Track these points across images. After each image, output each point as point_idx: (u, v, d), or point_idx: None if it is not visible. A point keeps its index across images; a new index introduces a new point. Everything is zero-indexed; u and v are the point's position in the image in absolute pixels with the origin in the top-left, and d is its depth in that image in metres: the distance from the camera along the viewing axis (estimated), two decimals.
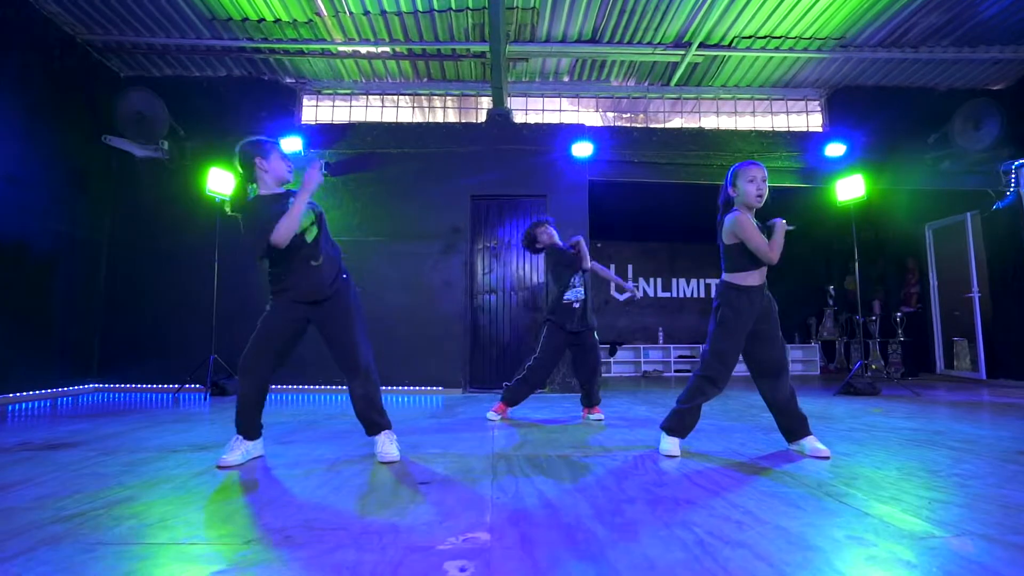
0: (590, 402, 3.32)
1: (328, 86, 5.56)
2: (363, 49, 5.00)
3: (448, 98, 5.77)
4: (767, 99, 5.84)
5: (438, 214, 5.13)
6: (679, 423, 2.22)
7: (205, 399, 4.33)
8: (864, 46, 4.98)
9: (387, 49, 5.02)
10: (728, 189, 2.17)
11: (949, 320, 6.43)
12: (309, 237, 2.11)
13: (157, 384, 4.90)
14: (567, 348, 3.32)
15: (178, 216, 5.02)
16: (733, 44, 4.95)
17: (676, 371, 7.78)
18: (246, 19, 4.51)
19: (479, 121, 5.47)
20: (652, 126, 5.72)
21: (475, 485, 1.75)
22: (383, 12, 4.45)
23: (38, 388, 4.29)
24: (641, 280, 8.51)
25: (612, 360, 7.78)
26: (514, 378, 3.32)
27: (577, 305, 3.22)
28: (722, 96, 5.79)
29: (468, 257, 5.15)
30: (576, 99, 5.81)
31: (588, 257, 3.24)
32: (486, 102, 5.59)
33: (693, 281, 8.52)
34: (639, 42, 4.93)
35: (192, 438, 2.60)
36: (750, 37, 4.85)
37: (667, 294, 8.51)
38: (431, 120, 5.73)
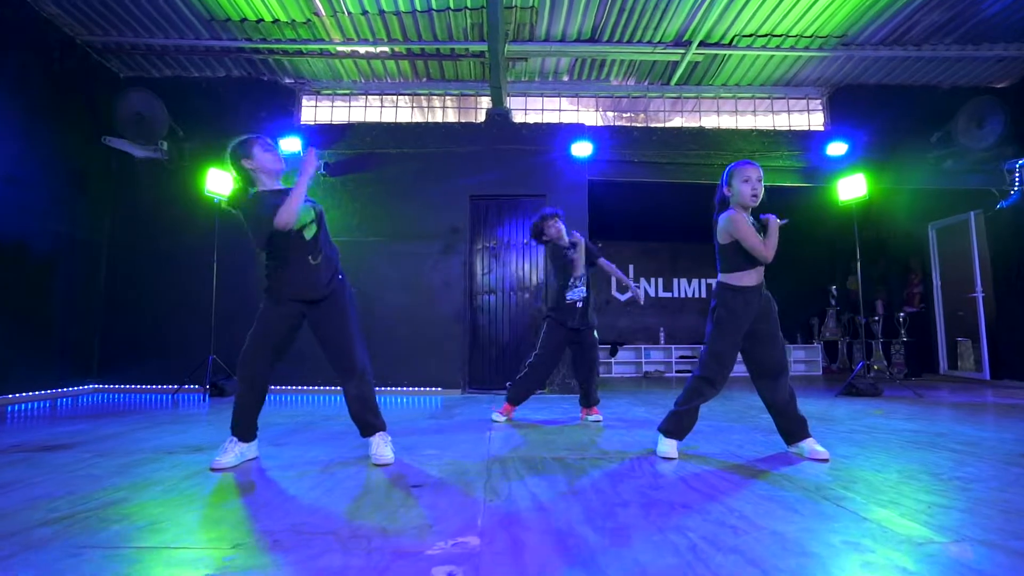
0: (588, 402, 3.30)
1: (327, 86, 5.55)
2: (362, 49, 4.99)
3: (447, 98, 5.76)
4: (768, 98, 5.80)
5: (437, 214, 5.12)
6: (676, 425, 2.19)
7: (204, 400, 4.33)
8: (866, 44, 4.94)
9: (386, 49, 5.01)
10: (724, 189, 2.16)
11: (953, 320, 6.38)
12: (308, 235, 2.10)
13: (157, 385, 4.91)
14: (567, 345, 3.31)
15: (177, 216, 5.02)
16: (734, 43, 4.92)
17: (677, 371, 7.75)
18: (245, 19, 4.50)
19: (478, 121, 5.46)
20: (652, 125, 5.69)
21: (469, 488, 1.73)
22: (381, 12, 4.44)
23: (38, 389, 4.29)
24: (642, 280, 8.48)
25: (613, 360, 7.75)
26: (516, 376, 3.30)
27: (580, 304, 3.21)
28: (723, 95, 5.76)
29: (467, 257, 5.14)
30: (576, 99, 5.79)
31: (582, 264, 3.21)
32: (485, 102, 5.58)
33: (694, 281, 8.49)
34: (639, 41, 4.90)
35: (188, 439, 2.59)
36: (751, 36, 4.82)
37: (668, 294, 8.48)
38: (431, 120, 5.72)
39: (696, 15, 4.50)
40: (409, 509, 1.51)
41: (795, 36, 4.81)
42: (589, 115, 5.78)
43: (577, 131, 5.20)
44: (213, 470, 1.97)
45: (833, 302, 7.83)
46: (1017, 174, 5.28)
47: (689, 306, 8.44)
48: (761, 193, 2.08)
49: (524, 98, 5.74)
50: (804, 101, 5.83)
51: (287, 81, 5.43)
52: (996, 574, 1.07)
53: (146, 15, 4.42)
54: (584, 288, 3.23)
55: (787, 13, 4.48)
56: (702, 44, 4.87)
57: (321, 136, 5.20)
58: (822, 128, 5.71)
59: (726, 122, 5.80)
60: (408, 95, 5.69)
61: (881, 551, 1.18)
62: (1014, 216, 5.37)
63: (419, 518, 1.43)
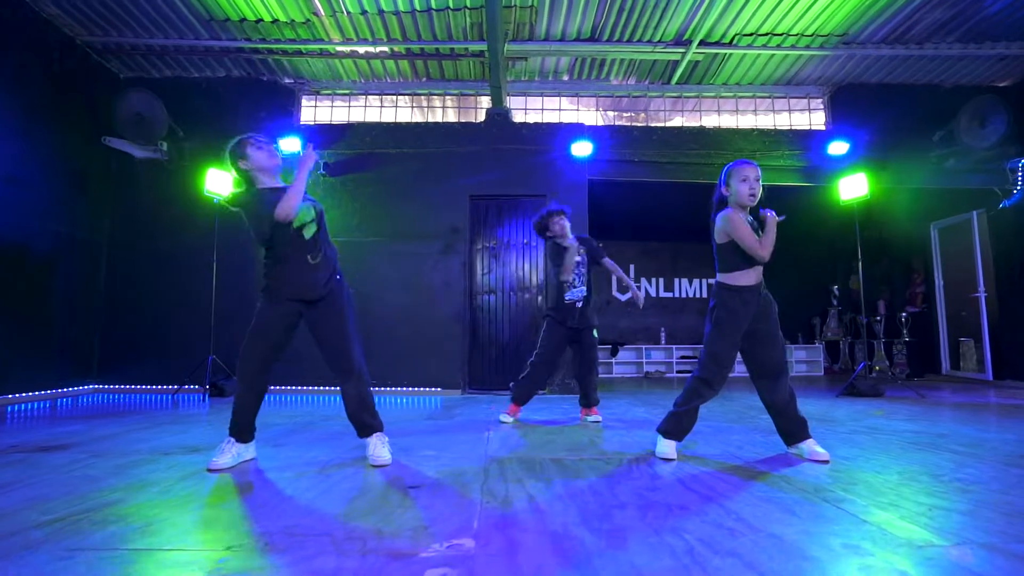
0: (588, 403, 3.28)
1: (327, 86, 5.55)
2: (361, 49, 4.99)
3: (447, 98, 5.75)
4: (769, 97, 5.78)
5: (437, 214, 5.11)
6: (675, 426, 2.18)
7: (203, 400, 4.32)
8: (867, 43, 4.91)
9: (385, 49, 5.01)
10: (722, 188, 2.15)
11: (955, 320, 6.35)
12: (307, 234, 2.09)
13: (157, 385, 4.91)
14: (567, 345, 3.30)
15: (177, 217, 5.02)
16: (734, 42, 4.90)
17: (678, 372, 7.73)
18: (244, 20, 4.50)
19: (478, 121, 5.45)
20: (652, 125, 5.67)
21: (465, 489, 1.72)
22: (380, 12, 4.43)
23: (38, 389, 4.30)
24: (643, 280, 8.46)
25: (614, 361, 7.73)
26: (519, 377, 3.30)
27: (579, 304, 3.21)
28: (723, 94, 5.74)
29: (467, 257, 5.13)
30: (576, 98, 5.77)
31: (570, 270, 3.20)
32: (485, 101, 5.57)
33: (695, 281, 8.47)
34: (639, 40, 4.89)
35: (186, 440, 2.59)
36: (751, 34, 4.80)
37: (669, 294, 8.46)
38: (431, 120, 5.71)
39: (696, 14, 4.48)
40: (405, 511, 1.50)
41: (796, 35, 4.79)
42: (589, 115, 5.77)
43: (577, 131, 5.18)
44: (210, 471, 1.96)
45: (835, 302, 7.80)
46: (1020, 173, 5.24)
47: (690, 306, 8.41)
48: (759, 193, 2.07)
49: (524, 98, 5.73)
50: (805, 100, 5.81)
51: (287, 81, 5.43)
52: None
53: (145, 15, 4.42)
54: (583, 289, 3.22)
55: (788, 12, 4.46)
56: (702, 43, 4.85)
57: (321, 136, 5.20)
58: (823, 127, 5.69)
59: (727, 121, 5.78)
60: (408, 95, 5.68)
61: (880, 554, 1.17)
62: (1017, 215, 5.34)
63: (415, 520, 1.42)
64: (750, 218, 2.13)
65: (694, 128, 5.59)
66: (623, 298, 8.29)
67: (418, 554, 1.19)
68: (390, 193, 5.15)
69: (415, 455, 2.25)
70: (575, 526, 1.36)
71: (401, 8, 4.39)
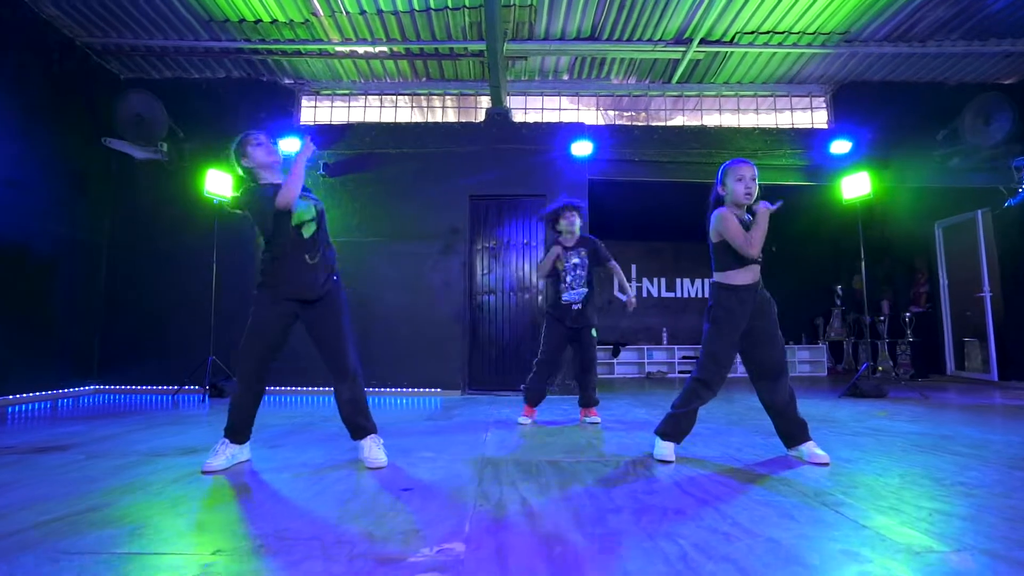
0: (587, 403, 3.27)
1: (327, 87, 5.55)
2: (360, 49, 4.98)
3: (447, 98, 5.74)
4: (771, 96, 5.74)
5: (437, 214, 5.10)
6: (674, 428, 2.16)
7: (203, 401, 4.32)
8: (870, 41, 4.87)
9: (384, 49, 5.00)
10: (718, 187, 2.14)
11: (960, 320, 6.29)
12: (307, 232, 2.09)
13: (157, 385, 4.91)
14: (568, 343, 3.30)
15: (177, 217, 5.03)
16: (735, 40, 4.87)
17: (680, 372, 7.69)
18: (243, 20, 4.50)
19: (478, 120, 5.43)
20: (653, 124, 5.64)
21: (459, 492, 1.70)
22: (379, 11, 4.42)
23: (39, 390, 4.31)
24: (645, 280, 8.43)
25: (615, 361, 7.70)
26: (527, 379, 3.31)
27: (576, 306, 3.19)
28: (725, 93, 5.70)
29: (467, 258, 5.11)
30: (576, 97, 5.75)
31: (544, 271, 3.26)
32: (485, 101, 5.55)
33: (697, 281, 8.43)
34: (639, 39, 4.86)
35: (182, 441, 2.58)
36: (752, 33, 4.76)
37: (671, 294, 8.42)
38: (431, 120, 5.70)
39: (697, 12, 4.45)
40: (397, 514, 1.48)
41: (797, 33, 4.75)
42: (589, 114, 5.74)
43: (577, 130, 5.16)
44: (204, 473, 1.95)
45: (838, 302, 7.74)
46: None
47: (692, 306, 8.37)
48: (755, 191, 2.05)
49: (524, 97, 5.71)
50: (807, 99, 5.76)
51: (286, 82, 5.43)
52: None
53: (145, 16, 4.42)
54: (582, 291, 3.21)
55: (789, 9, 4.42)
56: (703, 42, 4.82)
57: (321, 136, 5.19)
58: (825, 126, 5.65)
59: (728, 120, 5.74)
60: (408, 95, 5.67)
61: (879, 560, 1.15)
62: (1022, 214, 5.28)
63: (406, 523, 1.40)
64: (748, 217, 2.11)
65: (695, 127, 5.55)
66: (624, 298, 8.25)
67: (407, 559, 1.17)
68: (390, 193, 5.14)
69: (411, 456, 2.24)
70: (568, 530, 1.34)
71: (400, 8, 4.38)
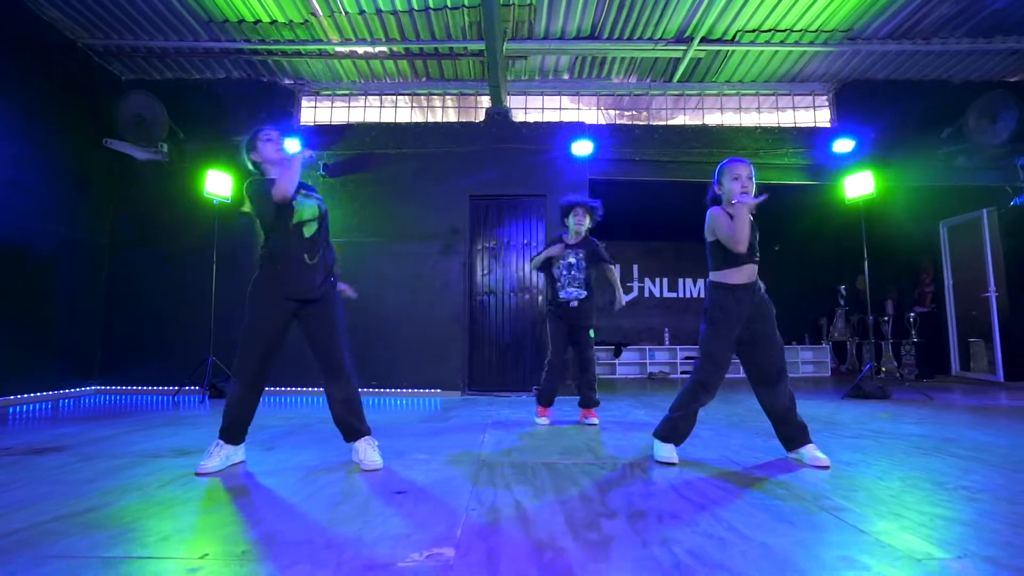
0: (586, 404, 3.25)
1: (327, 87, 5.54)
2: (360, 49, 4.97)
3: (447, 97, 5.72)
4: (772, 94, 5.70)
5: (437, 214, 5.08)
6: (673, 430, 2.13)
7: (202, 401, 4.32)
8: (873, 38, 4.82)
9: (384, 49, 4.99)
10: (715, 187, 2.12)
11: (965, 320, 6.22)
12: (308, 232, 2.08)
13: (158, 386, 4.92)
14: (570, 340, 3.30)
15: (178, 218, 5.03)
16: (736, 38, 4.83)
17: (682, 372, 7.64)
18: (243, 21, 4.50)
19: (478, 120, 5.42)
20: (654, 124, 5.61)
21: (453, 495, 1.68)
22: (379, 11, 4.41)
23: (40, 390, 4.32)
24: (647, 280, 8.39)
25: (617, 362, 7.67)
26: (541, 379, 3.32)
27: (574, 304, 3.18)
28: (726, 92, 5.66)
29: (467, 258, 5.10)
30: (576, 97, 5.72)
31: (537, 263, 3.32)
32: (486, 101, 5.53)
33: (699, 281, 8.38)
34: (640, 38, 4.83)
35: (178, 442, 2.57)
36: (754, 31, 4.73)
37: (673, 294, 8.38)
38: (431, 120, 5.69)
39: (697, 10, 4.42)
40: (388, 517, 1.46)
41: (799, 31, 4.71)
42: (590, 113, 5.72)
43: (577, 130, 5.14)
44: (198, 475, 1.94)
45: (842, 302, 7.68)
46: None
47: (694, 306, 8.33)
48: (752, 190, 2.03)
49: (524, 97, 5.69)
50: (810, 97, 5.72)
51: (286, 82, 5.43)
52: None
53: (145, 18, 4.43)
54: (577, 290, 3.19)
55: (791, 7, 4.38)
56: (704, 40, 4.79)
57: (321, 137, 5.19)
58: (828, 125, 5.60)
59: (730, 119, 5.70)
60: (408, 95, 5.66)
61: (877, 567, 1.12)
62: None
63: (397, 527, 1.39)
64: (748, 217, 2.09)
65: (696, 126, 5.52)
66: (627, 298, 8.21)
67: (395, 564, 1.15)
68: (390, 193, 5.13)
69: (407, 458, 2.22)
70: (561, 536, 1.32)
71: (399, 8, 4.37)
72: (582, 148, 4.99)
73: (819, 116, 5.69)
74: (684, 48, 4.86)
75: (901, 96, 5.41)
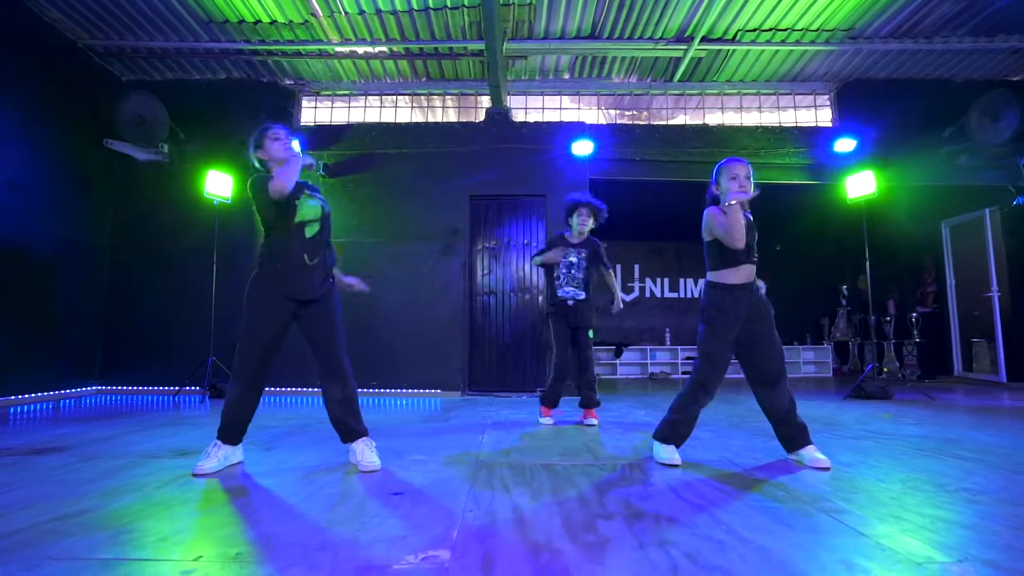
0: (587, 404, 3.24)
1: (327, 87, 5.54)
2: (360, 49, 4.97)
3: (447, 97, 5.72)
4: (774, 94, 5.68)
5: (437, 215, 5.08)
6: (672, 432, 2.12)
7: (203, 401, 4.33)
8: (874, 37, 4.80)
9: (384, 49, 4.98)
10: (712, 186, 2.12)
11: (967, 320, 6.19)
12: (309, 232, 2.08)
13: (159, 386, 4.92)
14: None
15: (178, 218, 5.04)
16: (737, 37, 4.82)
17: (683, 373, 7.63)
18: (242, 21, 4.50)
19: (479, 120, 5.41)
20: (655, 123, 5.60)
21: (450, 496, 1.68)
22: (378, 11, 4.41)
23: (41, 390, 4.33)
24: (648, 280, 8.38)
25: (618, 362, 7.66)
26: (547, 383, 3.33)
27: (571, 303, 3.18)
28: (727, 91, 5.64)
29: (467, 258, 5.09)
30: (577, 97, 5.71)
31: (538, 261, 3.34)
32: (486, 101, 5.53)
33: (701, 281, 8.36)
34: (640, 37, 4.82)
35: (177, 443, 2.58)
36: (755, 30, 4.71)
37: (674, 294, 8.37)
38: (431, 120, 5.68)
39: (698, 10, 4.40)
40: (384, 519, 1.46)
41: (800, 30, 4.69)
42: (590, 113, 5.71)
43: (578, 129, 5.13)
44: (195, 476, 1.94)
45: (844, 302, 7.66)
46: None
47: (696, 306, 8.31)
48: (750, 190, 2.02)
49: (524, 97, 5.68)
50: (811, 96, 5.70)
51: (287, 82, 5.43)
52: None
53: (145, 18, 4.43)
54: (575, 290, 3.19)
55: (792, 6, 4.37)
56: (705, 39, 4.77)
57: (320, 137, 5.19)
58: (830, 124, 5.58)
59: (730, 119, 5.68)
60: (408, 95, 5.66)
61: (877, 571, 1.11)
62: None
63: (393, 529, 1.38)
64: (748, 215, 2.09)
65: (697, 126, 5.50)
66: (628, 298, 8.21)
67: (390, 566, 1.15)
68: (390, 193, 5.13)
69: (405, 459, 2.22)
70: (558, 538, 1.31)
71: (399, 8, 4.37)
72: (582, 148, 4.98)
73: (820, 115, 5.67)
74: (685, 47, 4.85)
75: (903, 95, 5.39)
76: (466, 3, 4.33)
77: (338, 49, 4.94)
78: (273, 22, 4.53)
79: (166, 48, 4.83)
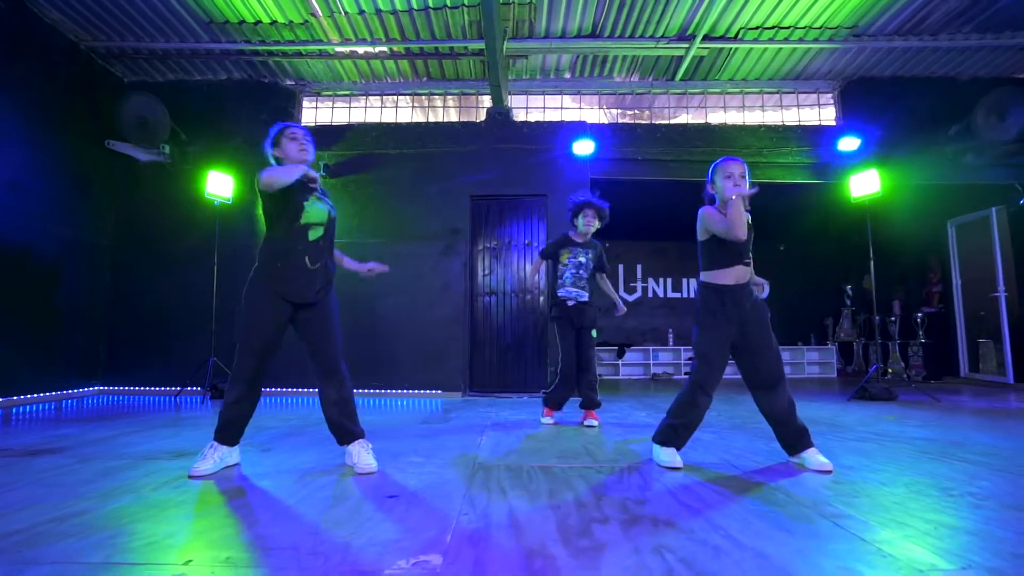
0: (587, 405, 3.22)
1: (327, 87, 5.54)
2: (360, 49, 4.96)
3: (448, 97, 5.71)
4: (777, 92, 5.63)
5: (437, 215, 5.07)
6: (673, 435, 2.10)
7: (203, 402, 4.33)
8: (879, 35, 4.75)
9: (384, 49, 4.98)
10: (708, 186, 2.10)
11: (974, 321, 6.12)
12: (312, 235, 2.06)
13: (161, 386, 4.93)
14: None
15: (180, 219, 5.05)
16: (739, 36, 4.78)
17: (686, 373, 7.58)
18: (243, 22, 4.50)
19: (480, 120, 5.40)
20: (656, 122, 5.56)
21: (445, 499, 1.66)
22: (378, 11, 4.40)
23: (44, 391, 4.34)
24: (651, 280, 8.33)
25: (620, 363, 7.62)
26: (551, 387, 3.32)
27: (571, 304, 3.16)
28: (729, 90, 5.60)
29: (468, 258, 5.07)
30: (578, 96, 5.69)
31: (542, 262, 3.41)
32: (487, 101, 5.51)
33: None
34: (641, 36, 4.79)
35: (175, 444, 2.57)
36: (757, 28, 4.67)
37: (677, 294, 8.32)
38: (432, 120, 5.67)
39: (700, 8, 4.37)
40: (378, 523, 1.44)
41: (804, 28, 4.65)
42: (592, 113, 5.68)
43: (579, 129, 5.11)
44: (191, 478, 1.93)
45: (848, 302, 7.59)
46: None
47: None
48: (746, 188, 2.00)
49: (525, 96, 5.66)
50: (814, 95, 5.65)
51: (288, 83, 5.43)
52: None
53: (146, 19, 4.44)
54: (579, 290, 3.17)
55: (795, 3, 4.33)
56: (707, 38, 4.74)
57: (322, 137, 5.18)
58: (833, 123, 5.53)
59: (733, 118, 5.64)
60: (408, 95, 5.65)
61: None
62: None
63: (386, 533, 1.36)
64: (747, 214, 2.06)
65: (699, 125, 5.47)
66: (630, 299, 8.17)
67: (382, 571, 1.13)
68: (391, 194, 5.12)
69: (401, 461, 2.20)
70: (552, 543, 1.29)
71: (398, 7, 4.36)
72: (584, 147, 4.96)
73: (824, 114, 5.62)
74: (686, 46, 4.81)
75: (908, 93, 5.33)
76: (466, 2, 4.31)
77: (338, 49, 4.93)
78: (273, 22, 4.53)
79: (167, 49, 4.84)
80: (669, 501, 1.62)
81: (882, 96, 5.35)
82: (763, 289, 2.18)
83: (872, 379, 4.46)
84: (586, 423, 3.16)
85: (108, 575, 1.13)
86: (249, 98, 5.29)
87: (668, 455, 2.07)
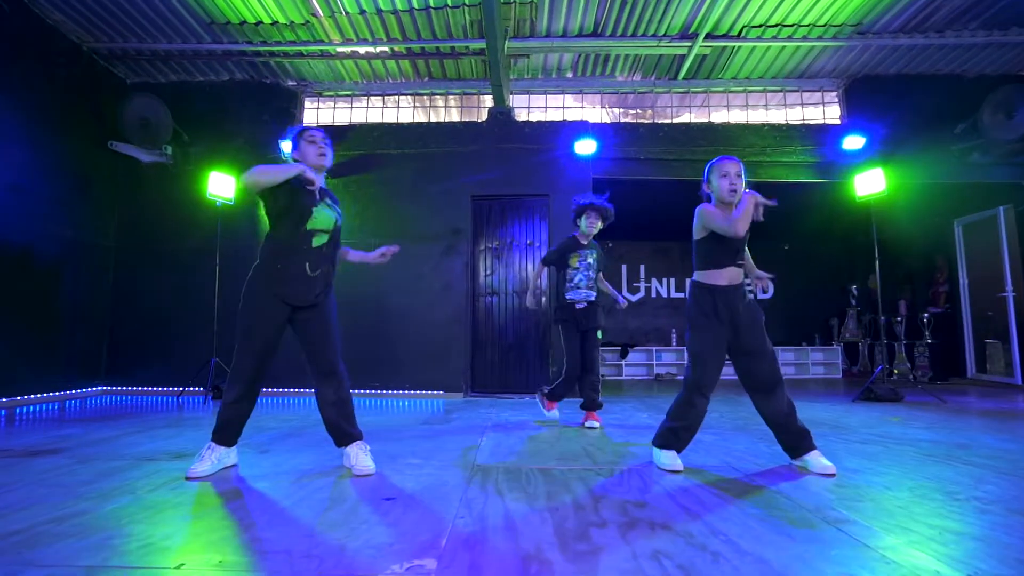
0: (589, 406, 3.20)
1: (329, 88, 5.54)
2: (362, 49, 4.96)
3: (450, 97, 5.70)
4: (780, 91, 5.59)
5: (439, 215, 5.06)
6: (673, 438, 2.08)
7: (205, 402, 4.34)
8: (883, 32, 4.70)
9: (385, 49, 4.97)
10: (704, 185, 2.08)
11: (981, 321, 6.06)
12: (316, 242, 2.04)
13: (163, 387, 4.95)
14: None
15: (182, 220, 5.06)
16: (742, 34, 4.74)
17: None
18: (244, 22, 4.51)
19: (481, 120, 5.38)
20: (659, 122, 5.53)
21: (442, 502, 1.64)
22: (379, 11, 4.39)
23: (47, 391, 4.36)
24: (654, 280, 8.30)
25: (623, 363, 7.59)
26: (555, 383, 3.32)
27: (580, 306, 3.14)
28: (732, 89, 5.56)
29: (469, 258, 5.06)
30: (580, 95, 5.66)
31: (543, 266, 3.39)
32: (489, 100, 5.50)
33: None
34: (643, 34, 4.76)
35: (174, 445, 2.57)
36: (760, 26, 4.63)
37: (680, 294, 8.28)
38: (434, 120, 5.66)
39: (702, 6, 4.34)
40: (373, 526, 1.43)
41: (807, 25, 4.61)
42: (594, 112, 5.66)
43: (581, 128, 5.08)
44: (188, 479, 1.92)
45: (853, 302, 7.52)
46: None
47: None
48: (740, 188, 1.98)
49: (527, 96, 5.64)
50: (819, 93, 5.60)
51: (289, 83, 5.44)
52: None
53: (148, 20, 4.45)
54: (588, 291, 3.16)
55: (798, 1, 4.29)
56: (709, 36, 4.70)
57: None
58: (838, 121, 5.48)
59: (736, 117, 5.60)
60: (410, 95, 5.64)
61: None
62: None
63: (381, 536, 1.35)
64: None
65: (702, 124, 5.43)
66: (633, 298, 8.14)
67: (376, 575, 1.12)
68: (392, 194, 5.11)
69: (399, 463, 2.19)
70: (549, 547, 1.27)
71: (399, 7, 4.35)
72: (586, 147, 4.93)
73: (828, 112, 5.58)
74: (689, 44, 4.78)
75: (913, 91, 5.28)
76: (467, 2, 4.30)
77: (340, 49, 4.93)
78: (274, 23, 4.53)
79: (169, 50, 4.85)
80: (668, 504, 1.60)
81: (887, 94, 5.30)
82: (767, 283, 2.16)
83: (877, 380, 4.42)
84: (587, 424, 3.14)
85: None
86: (251, 99, 5.30)
87: (668, 458, 2.05)
